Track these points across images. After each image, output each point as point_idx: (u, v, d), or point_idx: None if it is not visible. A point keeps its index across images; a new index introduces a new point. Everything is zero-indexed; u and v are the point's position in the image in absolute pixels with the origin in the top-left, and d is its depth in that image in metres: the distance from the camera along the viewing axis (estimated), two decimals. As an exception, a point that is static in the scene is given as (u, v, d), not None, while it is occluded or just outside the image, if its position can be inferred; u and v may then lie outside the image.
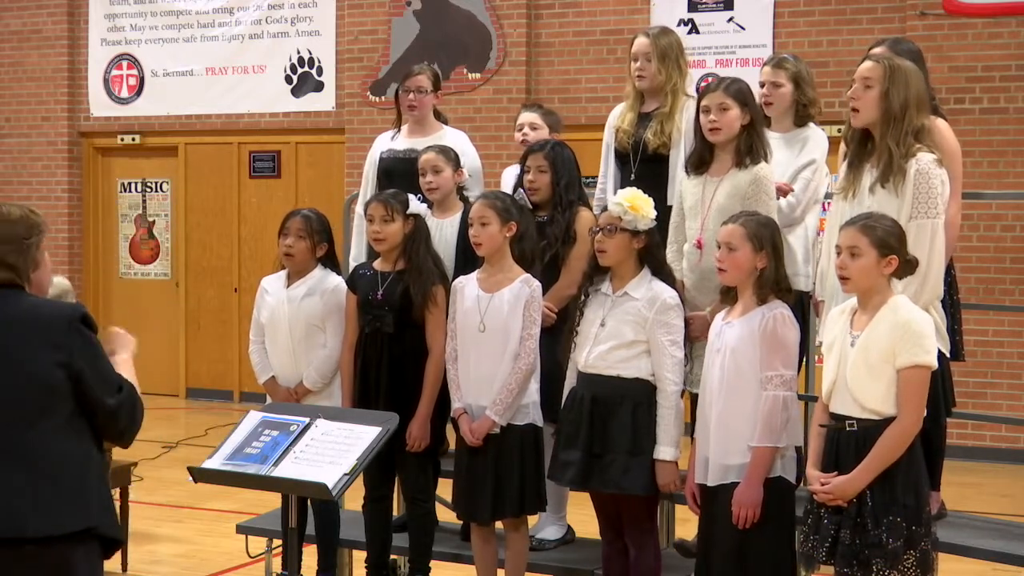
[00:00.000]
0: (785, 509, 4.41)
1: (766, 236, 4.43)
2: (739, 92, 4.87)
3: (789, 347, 4.40)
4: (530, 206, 5.23)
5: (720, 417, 4.44)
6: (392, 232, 5.27)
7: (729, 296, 4.56)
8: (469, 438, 4.96)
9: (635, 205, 4.69)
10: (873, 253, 4.07)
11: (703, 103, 4.89)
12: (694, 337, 4.81)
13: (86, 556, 3.44)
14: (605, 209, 4.87)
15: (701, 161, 4.95)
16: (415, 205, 5.33)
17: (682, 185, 5.05)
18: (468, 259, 5.36)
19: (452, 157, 5.64)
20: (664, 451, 4.67)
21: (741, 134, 4.87)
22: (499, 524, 5.15)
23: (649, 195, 4.79)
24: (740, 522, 4.33)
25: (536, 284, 4.99)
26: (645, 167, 5.29)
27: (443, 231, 5.57)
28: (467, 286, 5.07)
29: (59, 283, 5.78)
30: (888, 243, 4.08)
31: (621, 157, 5.43)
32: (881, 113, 4.41)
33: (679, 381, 4.70)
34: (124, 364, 3.74)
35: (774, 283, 4.43)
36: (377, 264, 5.39)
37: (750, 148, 4.86)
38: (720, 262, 4.47)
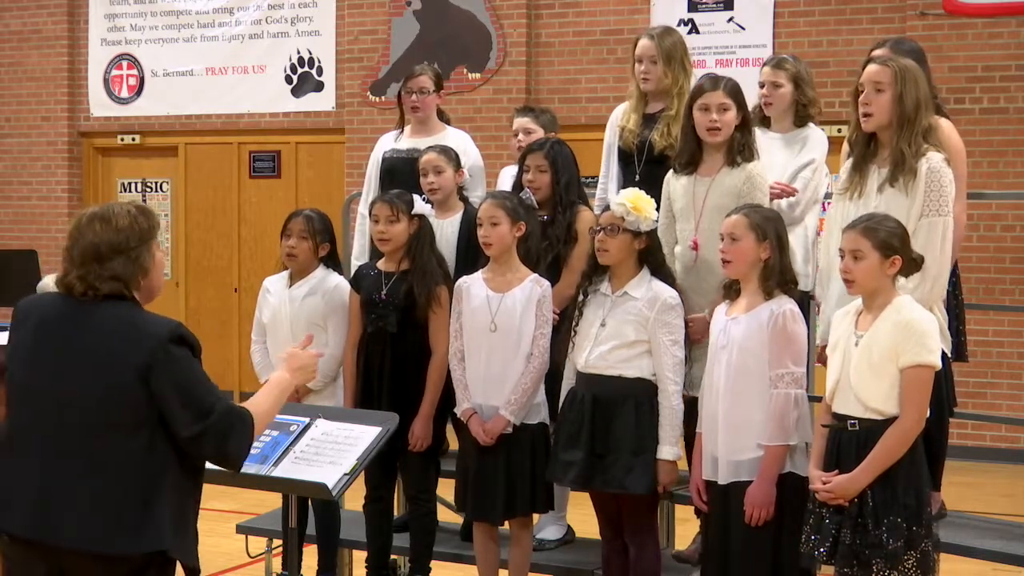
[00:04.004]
0: (801, 502, 4.36)
1: (770, 227, 4.42)
2: (736, 92, 4.88)
3: (799, 344, 4.38)
4: (536, 207, 5.22)
5: (728, 414, 4.42)
6: (397, 232, 5.27)
7: (732, 290, 4.54)
8: (483, 438, 4.93)
9: (637, 206, 4.68)
10: (876, 255, 4.06)
11: (701, 101, 4.86)
12: (695, 340, 4.80)
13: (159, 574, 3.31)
14: (606, 208, 4.86)
15: (692, 160, 4.94)
16: (420, 206, 5.33)
17: (669, 186, 5.02)
18: (469, 259, 5.36)
19: (453, 157, 5.65)
20: (666, 451, 4.66)
21: (734, 134, 4.87)
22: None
23: (653, 196, 4.78)
24: (753, 521, 4.32)
25: (546, 284, 4.99)
26: (650, 168, 5.26)
27: (444, 231, 5.58)
28: (473, 286, 5.06)
29: (45, 283, 5.72)
30: (891, 244, 4.07)
31: (625, 157, 5.41)
32: (895, 116, 4.40)
33: (680, 380, 4.69)
34: (270, 386, 3.61)
35: (779, 275, 4.41)
36: (381, 264, 5.39)
37: (743, 148, 4.86)
38: (724, 253, 4.45)
